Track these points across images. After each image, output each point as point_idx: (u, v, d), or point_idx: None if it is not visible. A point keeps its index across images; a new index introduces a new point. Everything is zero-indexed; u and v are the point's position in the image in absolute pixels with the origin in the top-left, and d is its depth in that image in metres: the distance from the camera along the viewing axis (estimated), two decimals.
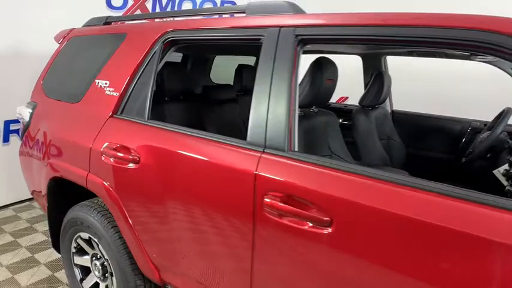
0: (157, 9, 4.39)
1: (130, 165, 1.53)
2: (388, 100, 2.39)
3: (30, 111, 2.15)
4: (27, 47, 3.23)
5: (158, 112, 1.93)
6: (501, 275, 0.82)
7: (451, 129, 2.20)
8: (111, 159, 1.60)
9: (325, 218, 1.03)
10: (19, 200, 3.56)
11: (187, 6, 4.52)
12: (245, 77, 2.51)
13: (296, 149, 1.20)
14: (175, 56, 3.08)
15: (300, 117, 1.60)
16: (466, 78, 2.78)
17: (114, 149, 1.59)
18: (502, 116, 1.74)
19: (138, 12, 4.19)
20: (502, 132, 1.94)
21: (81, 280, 2.03)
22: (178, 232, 1.44)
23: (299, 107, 1.59)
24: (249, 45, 1.36)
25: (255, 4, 1.42)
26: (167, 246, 1.52)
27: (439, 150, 2.22)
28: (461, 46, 1.01)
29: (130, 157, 1.53)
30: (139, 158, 1.51)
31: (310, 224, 1.06)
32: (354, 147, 2.07)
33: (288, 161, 1.14)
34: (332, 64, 1.55)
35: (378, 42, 1.17)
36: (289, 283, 1.16)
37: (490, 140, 1.64)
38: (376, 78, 1.99)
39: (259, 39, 1.30)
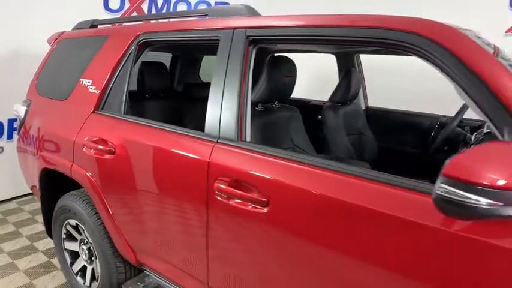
0: (153, 11, 4.55)
1: (107, 156, 1.68)
2: (362, 97, 2.49)
3: (25, 108, 2.32)
4: (29, 49, 3.41)
5: (139, 109, 2.08)
6: (413, 251, 0.91)
7: (422, 125, 2.30)
8: (91, 151, 1.75)
9: (263, 199, 1.15)
10: (23, 193, 3.76)
11: (182, 7, 4.67)
12: None
13: (248, 139, 1.33)
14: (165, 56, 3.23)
15: (260, 111, 1.73)
16: None
17: (94, 142, 1.74)
18: (459, 110, 1.84)
19: (135, 13, 4.36)
20: (465, 126, 2.03)
21: (71, 264, 2.20)
22: (147, 217, 1.58)
23: (260, 102, 1.73)
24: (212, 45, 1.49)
25: (216, 8, 1.56)
26: (139, 230, 1.66)
27: (409, 144, 2.32)
28: (384, 45, 1.10)
29: (107, 148, 1.68)
30: (114, 149, 1.66)
31: (252, 205, 1.19)
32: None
33: (237, 150, 1.27)
34: (289, 62, 1.67)
35: (314, 42, 1.29)
36: (237, 256, 1.29)
37: (445, 134, 1.74)
38: (344, 77, 2.09)
39: (217, 39, 1.43)
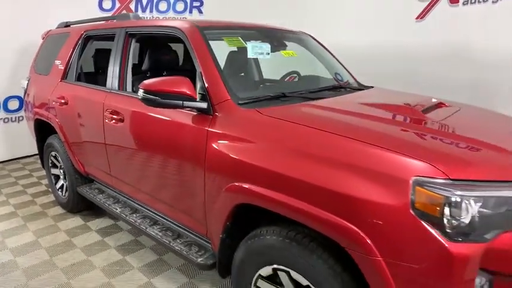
0: (139, 9, 5.62)
1: (64, 106, 2.79)
2: None
3: (27, 82, 3.51)
4: (36, 41, 4.54)
5: (94, 79, 3.17)
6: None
7: None
8: (57, 104, 2.87)
9: (122, 118, 2.20)
10: None
11: (162, 5, 5.74)
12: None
13: (128, 90, 2.37)
14: None
15: (148, 77, 2.76)
16: None
17: (58, 98, 2.86)
18: None
19: (124, 12, 5.45)
20: None
21: (55, 183, 3.37)
22: (83, 140, 2.69)
23: (148, 71, 2.76)
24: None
25: (120, 15, 2.61)
26: (82, 150, 2.77)
27: None
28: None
29: (63, 101, 2.79)
30: (67, 101, 2.76)
31: (118, 122, 2.23)
32: None
33: (117, 96, 2.32)
34: (166, 46, 2.69)
35: (146, 35, 2.33)
36: (115, 151, 2.35)
37: None
38: None
39: (115, 34, 2.47)
